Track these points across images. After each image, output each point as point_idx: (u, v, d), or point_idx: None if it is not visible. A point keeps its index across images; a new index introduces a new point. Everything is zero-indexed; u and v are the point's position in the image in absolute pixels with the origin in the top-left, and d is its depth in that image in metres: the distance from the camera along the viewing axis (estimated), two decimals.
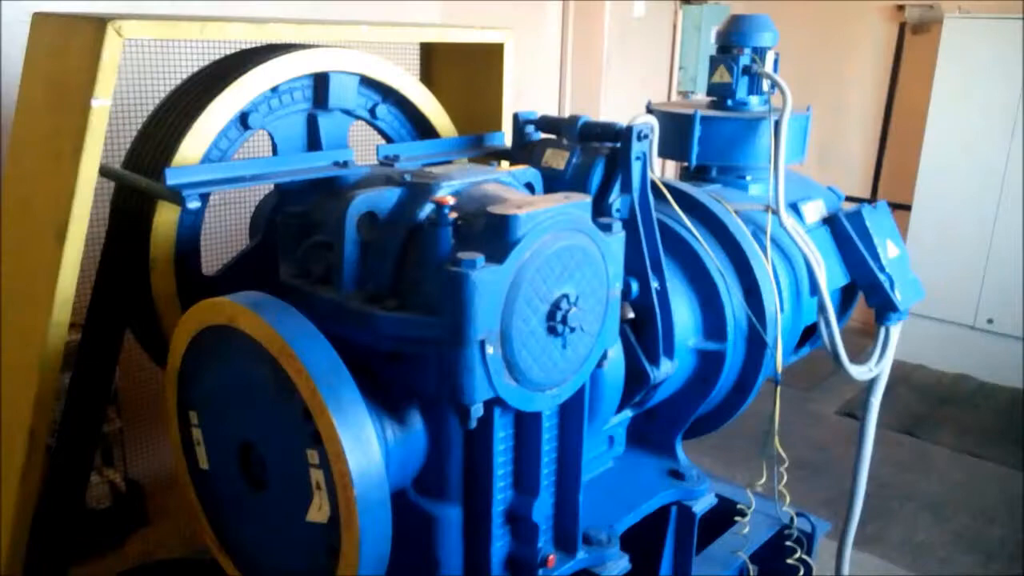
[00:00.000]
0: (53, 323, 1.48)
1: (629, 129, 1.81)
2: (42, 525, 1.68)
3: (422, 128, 2.14)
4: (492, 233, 1.42)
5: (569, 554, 1.78)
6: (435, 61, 2.36)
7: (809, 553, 2.44)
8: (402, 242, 1.51)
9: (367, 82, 1.99)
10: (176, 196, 1.47)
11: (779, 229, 2.22)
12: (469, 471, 1.60)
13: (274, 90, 1.80)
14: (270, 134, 1.86)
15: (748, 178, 2.41)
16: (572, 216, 1.51)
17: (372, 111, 2.03)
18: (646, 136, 1.83)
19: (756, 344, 2.11)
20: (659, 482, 2.14)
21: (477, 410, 1.45)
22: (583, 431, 1.72)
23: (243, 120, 1.76)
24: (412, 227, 1.51)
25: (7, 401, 1.63)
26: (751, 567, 2.38)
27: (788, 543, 2.36)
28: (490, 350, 1.41)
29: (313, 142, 1.92)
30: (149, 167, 1.64)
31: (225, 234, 2.85)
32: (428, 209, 1.52)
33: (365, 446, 1.30)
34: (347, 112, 1.98)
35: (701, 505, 2.14)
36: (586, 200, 1.57)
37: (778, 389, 2.15)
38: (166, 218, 1.64)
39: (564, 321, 1.51)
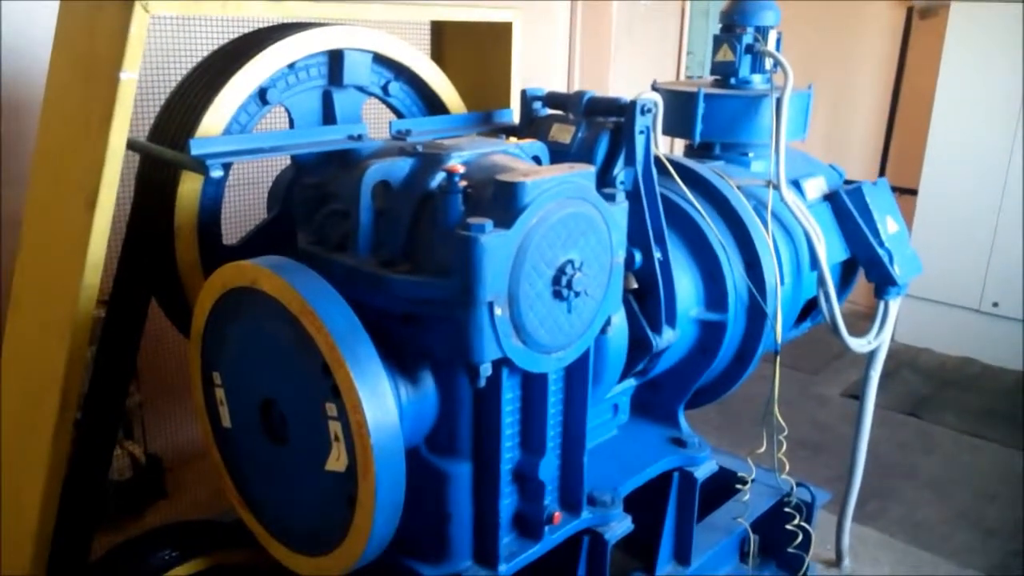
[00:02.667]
0: (84, 286, 1.55)
1: (633, 104, 1.88)
2: (70, 493, 1.76)
3: (432, 105, 2.21)
4: (500, 200, 1.49)
5: (574, 513, 1.86)
6: (445, 39, 2.42)
7: (808, 521, 2.51)
8: (414, 209, 1.58)
9: (380, 60, 2.05)
10: (200, 165, 1.55)
11: (780, 204, 2.28)
12: (478, 430, 1.68)
13: (291, 67, 1.87)
14: (287, 109, 1.93)
15: (750, 155, 2.47)
16: (576, 185, 1.58)
17: (385, 88, 2.10)
18: (649, 110, 1.89)
19: (756, 315, 2.18)
20: (662, 448, 2.21)
21: (486, 369, 1.53)
22: (588, 394, 1.80)
23: (261, 95, 1.83)
24: (424, 195, 1.58)
25: (40, 365, 1.71)
26: (752, 536, 2.46)
27: (787, 509, 2.43)
28: (498, 312, 1.48)
29: (328, 118, 1.99)
30: (173, 140, 1.71)
31: (244, 213, 2.92)
32: (439, 178, 1.59)
33: (381, 398, 1.38)
34: (360, 89, 2.05)
35: (702, 471, 2.21)
36: (590, 170, 1.64)
37: (778, 359, 2.21)
38: (190, 188, 1.72)
39: (569, 285, 1.58)
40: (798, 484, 2.53)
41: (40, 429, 1.67)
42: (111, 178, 1.52)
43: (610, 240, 1.67)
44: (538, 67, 4.99)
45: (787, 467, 2.34)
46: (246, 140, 1.69)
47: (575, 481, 1.85)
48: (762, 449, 2.34)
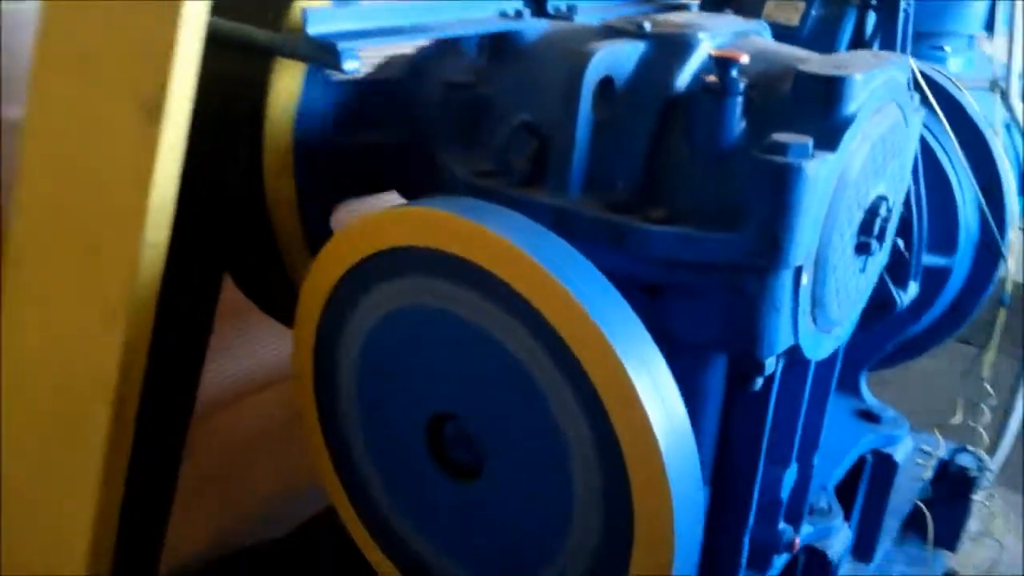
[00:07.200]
0: (146, 243, 0.98)
1: None
2: (130, 521, 1.20)
3: None
4: (813, 106, 0.96)
5: (796, 529, 1.41)
6: None
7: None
8: (655, 121, 1.04)
9: None
10: (329, 52, 0.96)
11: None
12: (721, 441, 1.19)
13: None
14: None
15: (947, 49, 1.94)
16: (897, 84, 1.06)
17: None
18: None
19: (984, 256, 1.71)
20: (855, 426, 1.76)
21: (770, 365, 1.03)
22: (832, 383, 1.33)
23: None
24: (670, 99, 1.04)
25: (73, 361, 1.12)
26: (929, 517, 2.06)
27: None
28: (804, 280, 0.98)
29: None
30: (256, 16, 1.10)
31: None
32: (689, 72, 1.04)
33: (665, 394, 0.87)
34: None
35: (902, 452, 1.78)
36: (907, 61, 1.11)
37: (1002, 312, 1.76)
38: (285, 90, 1.12)
39: (881, 235, 1.07)
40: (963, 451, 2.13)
41: (85, 436, 1.10)
42: (186, 72, 0.92)
43: (908, 165, 1.17)
44: None
45: (987, 441, 1.93)
46: (372, 14, 1.09)
47: (801, 490, 1.39)
48: (956, 419, 1.91)
